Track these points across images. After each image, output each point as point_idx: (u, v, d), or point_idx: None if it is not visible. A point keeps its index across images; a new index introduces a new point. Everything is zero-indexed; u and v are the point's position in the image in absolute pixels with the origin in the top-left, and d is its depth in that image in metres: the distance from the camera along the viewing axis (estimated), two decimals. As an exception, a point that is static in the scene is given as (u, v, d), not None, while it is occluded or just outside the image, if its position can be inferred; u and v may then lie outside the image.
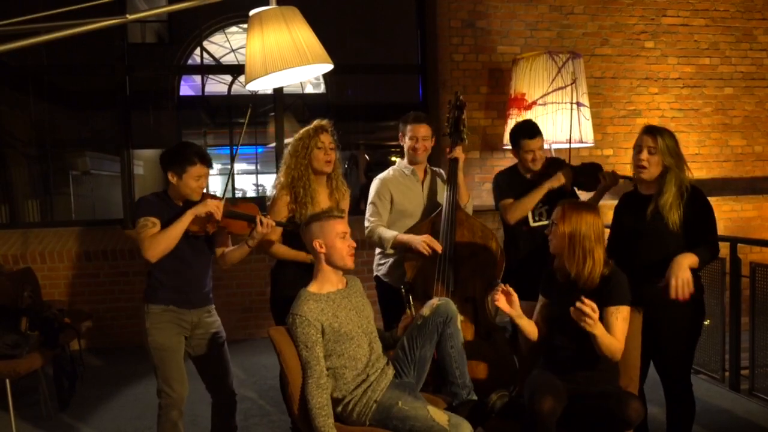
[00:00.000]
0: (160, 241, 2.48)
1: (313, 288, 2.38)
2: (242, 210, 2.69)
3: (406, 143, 3.16)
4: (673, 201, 2.56)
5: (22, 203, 6.29)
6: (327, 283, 2.39)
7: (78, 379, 4.00)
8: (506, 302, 2.43)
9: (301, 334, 2.26)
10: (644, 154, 2.61)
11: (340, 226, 2.38)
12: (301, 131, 2.90)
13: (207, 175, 2.63)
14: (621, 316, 2.31)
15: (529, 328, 2.50)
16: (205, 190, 2.68)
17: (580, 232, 2.35)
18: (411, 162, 3.20)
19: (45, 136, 6.87)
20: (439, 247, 2.88)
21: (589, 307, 2.17)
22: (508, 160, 3.49)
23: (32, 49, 5.23)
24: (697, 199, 2.61)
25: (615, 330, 2.30)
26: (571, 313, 2.21)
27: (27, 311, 3.73)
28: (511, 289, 2.43)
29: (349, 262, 2.39)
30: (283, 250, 2.85)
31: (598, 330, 2.22)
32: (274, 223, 2.65)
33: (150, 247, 2.47)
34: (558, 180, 3.13)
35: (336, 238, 2.36)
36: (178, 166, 2.55)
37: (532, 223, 3.21)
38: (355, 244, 2.41)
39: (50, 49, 5.55)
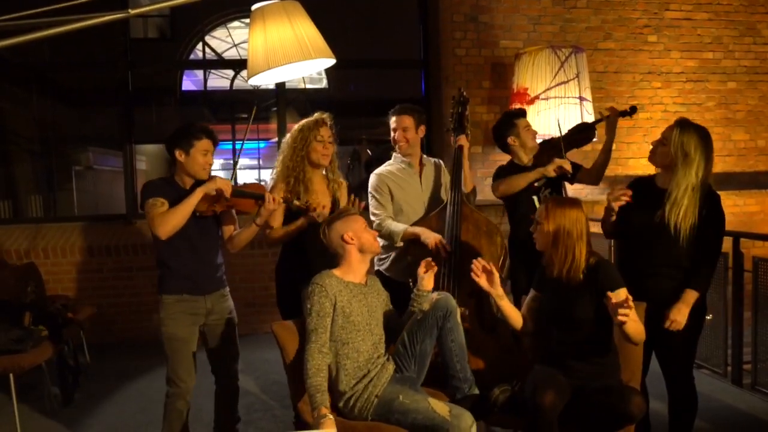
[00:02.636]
0: (171, 217, 2.50)
1: (337, 272, 2.44)
2: (248, 189, 2.72)
3: (391, 135, 3.22)
4: (689, 207, 2.53)
5: (26, 199, 6.31)
6: (351, 274, 2.45)
7: (81, 374, 4.02)
8: (486, 281, 2.44)
9: (317, 302, 2.31)
10: (655, 142, 2.67)
11: (362, 220, 2.49)
12: (302, 122, 2.91)
13: (213, 152, 2.67)
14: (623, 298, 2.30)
15: (513, 314, 2.50)
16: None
17: (564, 229, 2.35)
18: (398, 151, 3.23)
19: (48, 132, 6.88)
20: (444, 253, 2.88)
21: (620, 301, 2.12)
22: (509, 155, 3.50)
23: (35, 46, 5.23)
24: (712, 206, 2.59)
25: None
26: (609, 311, 2.16)
27: (31, 306, 3.75)
28: (493, 267, 2.43)
29: (378, 247, 2.55)
30: (281, 231, 2.85)
31: (632, 319, 2.18)
32: (281, 200, 2.67)
33: (161, 224, 2.49)
34: (553, 166, 3.12)
35: (363, 231, 2.46)
36: (185, 142, 2.59)
37: None
38: (377, 232, 2.56)
39: (53, 45, 5.56)
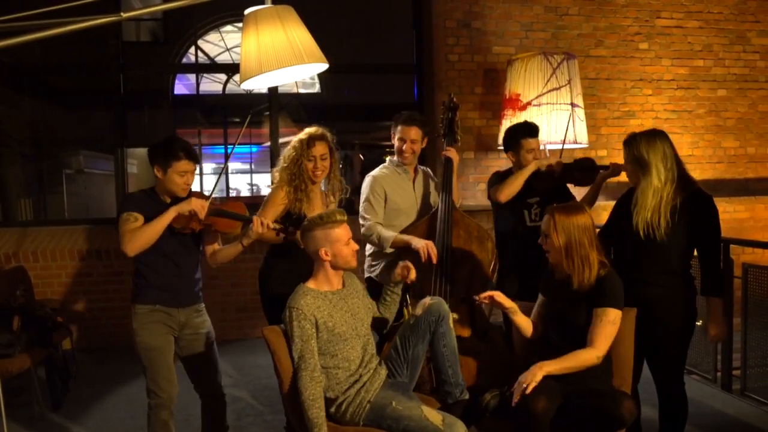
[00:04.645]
0: (140, 235, 2.47)
1: (311, 284, 2.38)
2: (231, 209, 2.66)
3: (395, 143, 3.17)
4: (656, 209, 2.52)
5: (16, 202, 6.26)
6: (326, 283, 2.39)
7: (71, 379, 3.99)
8: (494, 301, 2.45)
9: (297, 327, 2.26)
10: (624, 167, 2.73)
11: (344, 234, 2.36)
12: (294, 140, 2.87)
13: (193, 171, 2.60)
14: (606, 319, 2.31)
15: (525, 325, 2.51)
16: (197, 189, 2.66)
17: (575, 240, 2.33)
18: (402, 161, 3.20)
19: (40, 135, 6.85)
20: (435, 257, 2.87)
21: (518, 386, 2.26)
22: (502, 161, 3.50)
23: (27, 48, 5.18)
24: (704, 206, 2.60)
25: (595, 332, 2.31)
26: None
27: (19, 310, 3.72)
28: (494, 293, 2.43)
29: (354, 263, 2.40)
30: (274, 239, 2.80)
31: (542, 372, 2.27)
32: (271, 224, 2.61)
33: (129, 241, 2.46)
34: (547, 160, 3.15)
35: (341, 246, 2.34)
36: (163, 160, 2.54)
37: (528, 224, 3.21)
38: (358, 247, 2.41)
39: (45, 47, 5.53)
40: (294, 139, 2.90)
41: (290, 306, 2.29)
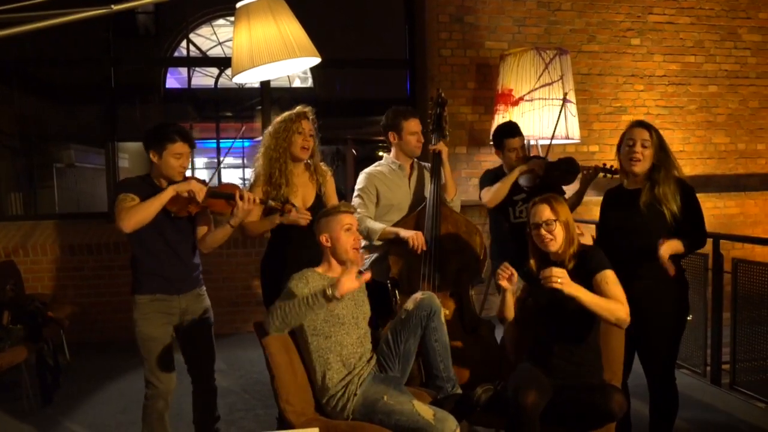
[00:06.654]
0: (136, 211, 2.44)
1: (319, 269, 2.41)
2: (223, 190, 2.66)
3: (407, 138, 3.12)
4: (671, 192, 2.60)
5: (6, 196, 6.21)
6: (332, 272, 2.42)
7: (61, 374, 3.97)
8: (507, 280, 2.44)
9: (293, 286, 2.28)
10: (638, 147, 2.65)
11: (346, 219, 2.40)
12: (283, 115, 2.87)
13: (188, 154, 2.60)
14: (610, 279, 2.33)
15: (510, 305, 2.52)
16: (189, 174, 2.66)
17: (570, 219, 2.44)
18: (412, 156, 3.19)
19: (30, 129, 6.80)
20: (423, 247, 2.89)
21: (550, 271, 2.21)
22: (494, 156, 3.53)
23: (16, 41, 5.15)
24: (687, 194, 2.64)
25: (611, 293, 2.31)
26: (543, 283, 2.23)
27: (9, 305, 3.70)
28: (514, 272, 2.44)
29: (353, 255, 2.38)
30: (257, 224, 2.81)
31: (576, 290, 2.22)
32: (255, 198, 2.60)
33: (126, 217, 2.43)
34: (528, 165, 3.24)
35: (341, 231, 2.38)
36: (159, 144, 2.54)
37: (512, 220, 3.31)
38: (360, 238, 2.46)
39: (35, 40, 5.48)
40: (281, 116, 2.86)
41: (293, 277, 2.32)
